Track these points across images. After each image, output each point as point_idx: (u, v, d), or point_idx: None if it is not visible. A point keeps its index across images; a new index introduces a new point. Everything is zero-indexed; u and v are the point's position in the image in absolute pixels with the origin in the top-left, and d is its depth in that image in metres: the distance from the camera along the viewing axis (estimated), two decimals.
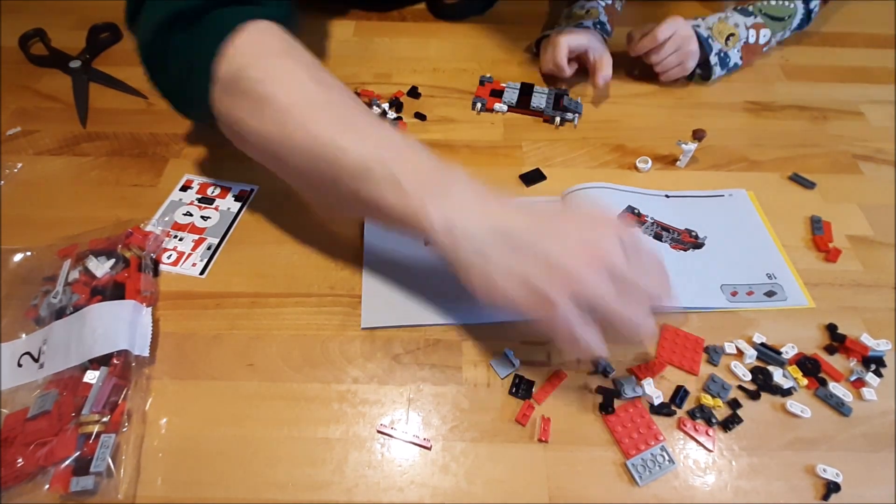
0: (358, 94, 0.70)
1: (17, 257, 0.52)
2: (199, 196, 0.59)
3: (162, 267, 0.53)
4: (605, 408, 0.44)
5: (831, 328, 0.50)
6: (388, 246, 0.54)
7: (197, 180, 0.60)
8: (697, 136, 0.62)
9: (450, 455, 0.42)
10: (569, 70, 0.70)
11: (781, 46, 0.78)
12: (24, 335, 0.47)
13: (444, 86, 0.72)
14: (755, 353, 0.48)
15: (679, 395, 0.45)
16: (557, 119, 0.68)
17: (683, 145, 0.61)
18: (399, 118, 0.68)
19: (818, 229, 0.57)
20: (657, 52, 0.69)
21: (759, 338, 0.49)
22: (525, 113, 0.69)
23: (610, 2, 0.75)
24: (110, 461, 0.40)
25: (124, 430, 0.42)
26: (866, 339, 0.48)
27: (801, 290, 0.52)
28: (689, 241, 0.56)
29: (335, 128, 0.42)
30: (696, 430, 0.44)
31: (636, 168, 0.63)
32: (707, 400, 0.45)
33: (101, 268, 0.50)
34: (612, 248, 0.38)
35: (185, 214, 0.57)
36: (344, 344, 0.48)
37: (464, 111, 0.69)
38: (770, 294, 0.52)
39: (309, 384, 0.46)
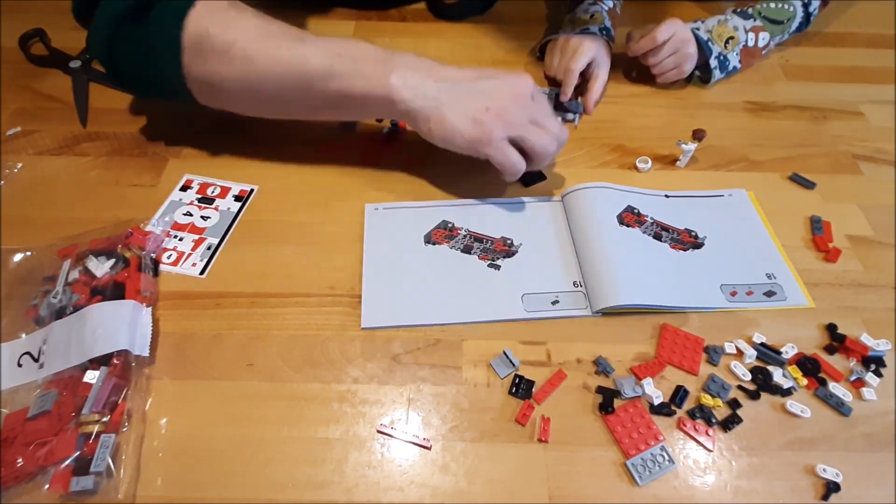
0: None
1: (17, 257, 0.52)
2: (199, 196, 0.59)
3: (162, 267, 0.53)
4: (605, 408, 0.44)
5: (831, 328, 0.50)
6: (388, 246, 0.55)
7: (197, 180, 0.60)
8: (697, 136, 0.62)
9: (450, 455, 0.42)
10: (577, 79, 0.69)
11: (781, 47, 0.78)
12: (24, 335, 0.47)
13: None
14: (755, 353, 0.48)
15: (679, 395, 0.45)
16: (559, 119, 0.68)
17: (683, 145, 0.61)
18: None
19: (818, 229, 0.57)
20: (655, 54, 0.69)
21: (758, 338, 0.49)
22: None
23: (611, 5, 0.75)
24: (110, 461, 0.40)
25: (124, 430, 0.42)
26: (866, 339, 0.48)
27: (800, 290, 0.52)
28: (688, 241, 0.56)
29: (293, 46, 0.50)
30: (695, 430, 0.44)
31: (636, 168, 0.63)
32: (707, 400, 0.45)
33: (101, 268, 0.50)
34: (526, 92, 0.52)
35: (185, 214, 0.57)
36: (344, 344, 0.48)
37: None
38: (770, 294, 0.52)
39: (309, 384, 0.46)
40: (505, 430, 0.44)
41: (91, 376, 0.43)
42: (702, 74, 0.73)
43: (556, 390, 0.46)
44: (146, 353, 0.46)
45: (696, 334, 0.49)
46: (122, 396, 0.43)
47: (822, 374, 0.47)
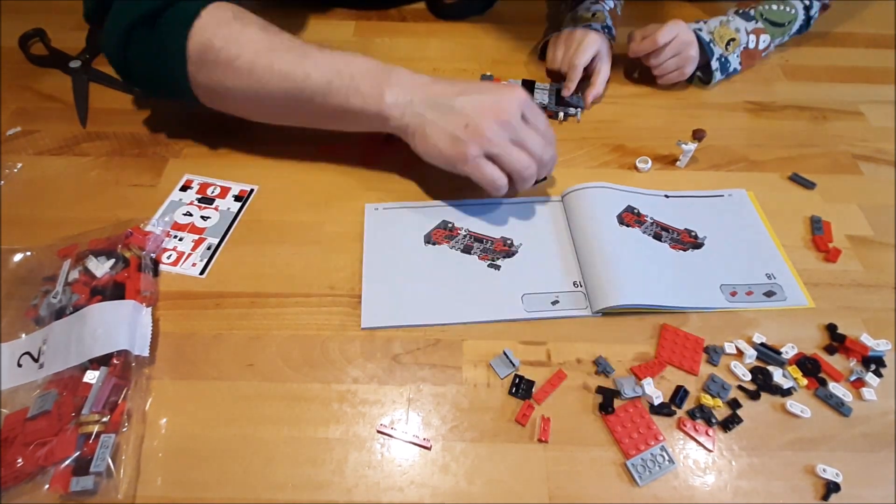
0: None
1: (17, 257, 0.52)
2: (199, 196, 0.59)
3: (162, 267, 0.53)
4: (605, 408, 0.44)
5: (831, 328, 0.50)
6: (388, 246, 0.55)
7: (197, 180, 0.60)
8: (697, 136, 0.62)
9: (450, 455, 0.42)
10: (580, 74, 0.69)
11: (781, 47, 0.78)
12: (24, 335, 0.47)
13: None
14: (755, 353, 0.48)
15: (679, 395, 0.45)
16: (561, 114, 0.68)
17: (683, 145, 0.61)
18: None
19: (818, 229, 0.57)
20: (656, 56, 0.69)
21: (758, 338, 0.49)
22: None
23: (612, 6, 0.75)
24: (110, 461, 0.40)
25: (124, 430, 0.42)
26: (866, 339, 0.48)
27: (800, 290, 0.52)
28: (688, 241, 0.56)
29: (295, 61, 0.52)
30: (695, 430, 0.44)
31: (636, 168, 0.63)
32: (707, 400, 0.45)
33: (101, 268, 0.50)
34: (511, 110, 0.51)
35: (185, 214, 0.57)
36: (344, 344, 0.48)
37: None
38: (769, 294, 0.52)
39: (309, 384, 0.46)
40: (505, 430, 0.44)
41: (91, 376, 0.43)
42: (703, 75, 0.73)
43: (556, 390, 0.46)
44: (146, 353, 0.46)
45: (696, 334, 0.49)
46: (122, 396, 0.43)
47: (822, 375, 0.47)
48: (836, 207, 0.59)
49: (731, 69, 0.72)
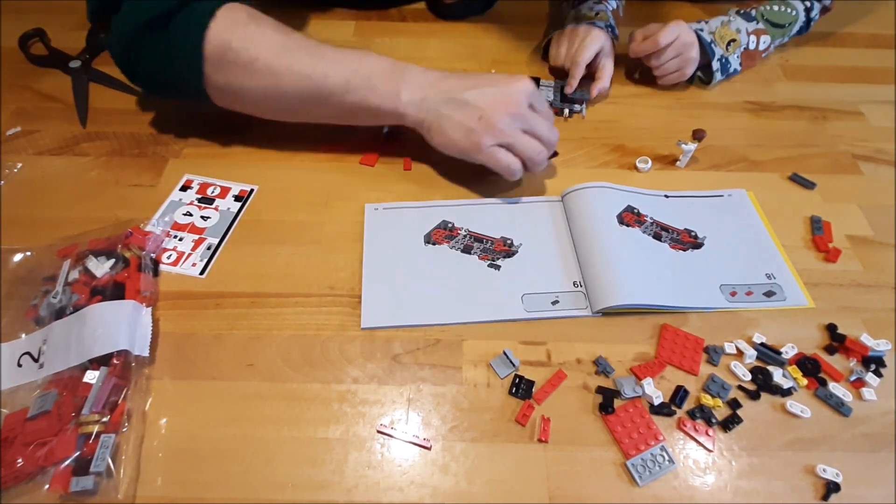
0: None
1: (17, 257, 0.52)
2: (199, 196, 0.59)
3: (162, 267, 0.53)
4: (605, 408, 0.44)
5: (831, 328, 0.50)
6: (388, 246, 0.55)
7: (197, 180, 0.60)
8: (697, 136, 0.62)
9: (450, 455, 0.42)
10: (584, 70, 0.70)
11: (781, 47, 0.78)
12: (23, 335, 0.47)
13: None
14: (755, 353, 0.48)
15: (679, 395, 0.45)
16: (566, 111, 0.68)
17: (683, 145, 0.61)
18: None
19: (818, 229, 0.57)
20: (657, 57, 0.69)
21: (758, 338, 0.49)
22: None
23: (615, 6, 0.75)
24: (110, 461, 0.40)
25: (124, 430, 0.42)
26: (866, 339, 0.48)
27: (800, 290, 0.52)
28: (688, 241, 0.56)
29: (313, 61, 0.54)
30: (696, 430, 0.44)
31: (636, 168, 0.63)
32: (707, 400, 0.45)
33: (100, 268, 0.50)
34: (520, 101, 0.55)
35: (185, 214, 0.57)
36: (344, 344, 0.48)
37: None
38: (769, 294, 0.52)
39: (309, 384, 0.46)
40: (505, 430, 0.44)
41: (91, 376, 0.43)
42: (703, 76, 0.73)
43: (556, 390, 0.46)
44: (146, 353, 0.46)
45: (696, 334, 0.49)
46: (122, 396, 0.43)
47: (822, 374, 0.47)
48: (836, 207, 0.59)
49: (731, 70, 0.72)
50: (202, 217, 0.57)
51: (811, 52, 0.80)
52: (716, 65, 0.70)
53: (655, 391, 0.45)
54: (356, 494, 0.41)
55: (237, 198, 0.59)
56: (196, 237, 0.55)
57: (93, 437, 0.41)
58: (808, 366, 0.47)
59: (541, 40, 0.78)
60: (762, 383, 0.46)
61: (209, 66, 0.53)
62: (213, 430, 0.43)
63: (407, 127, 0.66)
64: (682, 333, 0.49)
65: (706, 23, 0.71)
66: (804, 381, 0.46)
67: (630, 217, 0.56)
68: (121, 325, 0.46)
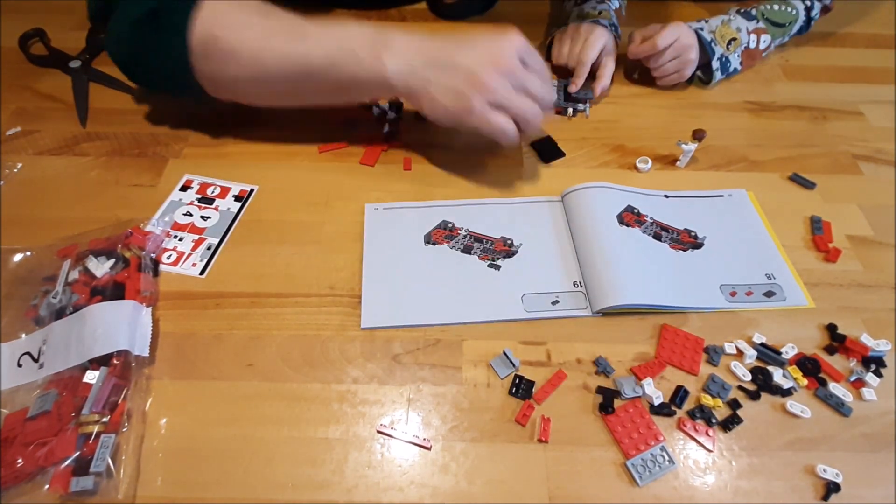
0: None
1: (17, 257, 0.52)
2: (199, 196, 0.59)
3: (162, 267, 0.53)
4: (605, 408, 0.44)
5: (831, 328, 0.50)
6: (388, 246, 0.55)
7: (197, 180, 0.60)
8: (697, 136, 0.62)
9: (450, 455, 0.42)
10: (589, 69, 0.70)
11: (781, 47, 0.78)
12: (23, 335, 0.47)
13: None
14: (755, 353, 0.48)
15: (679, 395, 0.45)
16: (570, 110, 0.68)
17: (683, 145, 0.61)
18: (399, 118, 0.67)
19: (818, 229, 0.57)
20: (656, 59, 0.69)
21: (758, 338, 0.49)
22: None
23: (617, 5, 0.75)
24: (110, 461, 0.40)
25: (124, 430, 0.42)
26: (866, 339, 0.48)
27: (800, 290, 0.52)
28: (688, 241, 0.56)
29: (294, 42, 0.53)
30: (696, 430, 0.44)
31: (636, 168, 0.63)
32: (707, 400, 0.45)
33: (100, 268, 0.50)
34: (510, 57, 0.52)
35: (185, 214, 0.57)
36: (344, 344, 0.48)
37: None
38: (769, 294, 0.52)
39: (309, 384, 0.46)
40: (505, 430, 0.44)
41: (91, 376, 0.43)
42: (703, 75, 0.73)
43: (556, 390, 0.46)
44: (146, 353, 0.46)
45: (696, 334, 0.49)
46: (122, 396, 0.43)
47: (822, 375, 0.47)
48: (836, 207, 0.59)
49: (731, 69, 0.72)
50: (202, 217, 0.57)
51: (811, 52, 0.80)
52: (716, 64, 0.70)
53: (655, 391, 0.45)
54: (356, 494, 0.41)
55: (237, 198, 0.59)
56: (196, 237, 0.55)
57: (93, 437, 0.41)
58: (808, 366, 0.47)
59: (543, 39, 0.78)
60: (762, 383, 0.46)
61: (197, 58, 0.54)
62: (213, 430, 0.43)
63: (406, 126, 0.66)
64: (682, 333, 0.49)
65: (706, 22, 0.71)
66: (804, 382, 0.46)
67: (630, 217, 0.56)
68: (121, 325, 0.46)
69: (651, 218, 0.57)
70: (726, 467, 0.42)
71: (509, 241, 0.55)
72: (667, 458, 0.42)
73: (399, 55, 0.52)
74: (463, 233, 0.56)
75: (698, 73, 0.72)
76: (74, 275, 0.50)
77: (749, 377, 0.47)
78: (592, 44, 0.68)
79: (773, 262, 0.54)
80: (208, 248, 0.54)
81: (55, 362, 0.44)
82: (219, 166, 0.62)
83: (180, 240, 0.55)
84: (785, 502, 0.41)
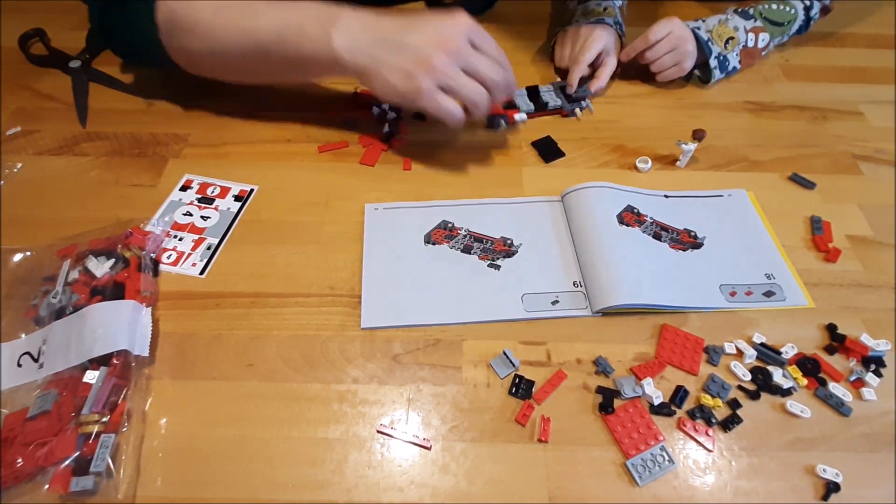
0: (357, 95, 0.70)
1: (17, 257, 0.52)
2: (199, 196, 0.59)
3: (162, 267, 0.53)
4: (605, 408, 0.44)
5: (831, 328, 0.50)
6: (388, 246, 0.55)
7: (197, 180, 0.60)
8: (697, 136, 0.62)
9: (450, 455, 0.42)
10: (585, 72, 0.70)
11: (781, 47, 0.78)
12: (23, 335, 0.47)
13: None
14: (755, 353, 0.48)
15: (679, 395, 0.45)
16: (576, 111, 0.69)
17: (683, 145, 0.61)
18: (399, 118, 0.68)
19: (818, 229, 0.57)
20: (652, 52, 0.69)
21: (758, 338, 0.49)
22: (544, 115, 0.69)
23: (621, 3, 0.75)
24: (110, 461, 0.40)
25: (124, 430, 0.42)
26: (866, 339, 0.48)
27: (800, 290, 0.52)
28: (688, 241, 0.56)
29: (246, 16, 0.54)
30: (695, 430, 0.44)
31: (636, 168, 0.63)
32: (707, 400, 0.45)
33: (100, 268, 0.50)
34: (457, 38, 0.52)
35: (184, 214, 0.57)
36: (344, 344, 0.48)
37: None
38: (769, 294, 0.52)
39: (309, 384, 0.46)
40: (505, 430, 0.44)
41: (91, 376, 0.43)
42: (701, 74, 0.73)
43: (556, 390, 0.46)
44: (146, 353, 0.46)
45: (696, 334, 0.49)
46: (122, 396, 0.43)
47: (822, 375, 0.47)
48: (836, 207, 0.59)
49: (730, 68, 0.72)
50: (202, 217, 0.57)
51: (811, 52, 0.80)
52: (713, 62, 0.70)
53: (655, 391, 0.45)
54: (356, 494, 0.41)
55: (237, 198, 0.59)
56: (196, 237, 0.55)
57: (93, 437, 0.41)
58: (808, 366, 0.47)
59: (545, 40, 0.78)
60: (762, 383, 0.46)
61: (164, 35, 0.56)
62: (213, 430, 0.43)
63: (407, 127, 0.67)
64: (682, 333, 0.49)
65: (703, 21, 0.71)
66: (804, 381, 0.46)
67: (630, 217, 0.56)
68: (121, 325, 0.46)
69: (651, 218, 0.57)
70: (726, 467, 0.42)
71: (509, 241, 0.55)
72: (667, 458, 0.42)
73: (347, 32, 0.52)
74: (463, 233, 0.56)
75: (696, 72, 0.72)
76: (74, 275, 0.50)
77: (749, 377, 0.47)
78: (590, 45, 0.68)
79: (772, 261, 0.54)
80: (208, 248, 0.54)
81: (55, 362, 0.44)
82: (219, 166, 0.62)
83: (180, 240, 0.55)
84: (785, 502, 0.41)
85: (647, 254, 0.53)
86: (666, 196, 0.59)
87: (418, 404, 0.45)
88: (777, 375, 0.46)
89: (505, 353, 0.47)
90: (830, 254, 0.55)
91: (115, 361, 0.44)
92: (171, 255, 0.54)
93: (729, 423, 0.44)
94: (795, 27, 0.75)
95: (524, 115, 0.67)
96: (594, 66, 0.70)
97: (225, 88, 0.63)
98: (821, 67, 0.77)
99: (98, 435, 0.41)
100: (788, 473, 0.42)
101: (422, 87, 0.52)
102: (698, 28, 0.70)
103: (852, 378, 0.47)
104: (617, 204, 0.57)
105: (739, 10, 0.72)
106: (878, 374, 0.47)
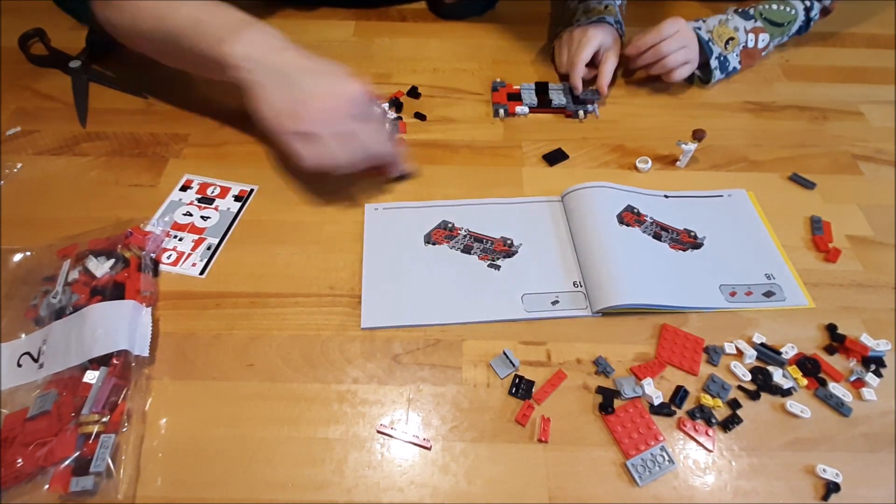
0: None
1: (17, 257, 0.52)
2: (199, 196, 0.59)
3: (162, 267, 0.53)
4: (605, 408, 0.44)
5: (831, 328, 0.50)
6: (388, 246, 0.55)
7: (197, 180, 0.60)
8: (697, 136, 0.62)
9: (450, 455, 0.42)
10: (585, 73, 0.69)
11: (781, 47, 0.78)
12: (23, 335, 0.47)
13: (444, 86, 0.72)
14: (755, 353, 0.48)
15: (679, 395, 0.45)
16: (581, 113, 0.68)
17: (683, 145, 0.61)
18: (399, 118, 0.68)
19: (818, 229, 0.57)
20: (667, 45, 0.67)
21: (758, 338, 0.49)
22: (546, 112, 0.69)
23: (620, 2, 0.75)
24: (110, 461, 0.40)
25: (124, 430, 0.42)
26: (866, 339, 0.48)
27: (800, 290, 0.52)
28: (688, 241, 0.56)
29: (166, 4, 0.55)
30: (695, 430, 0.44)
31: (636, 168, 0.63)
32: (707, 400, 0.45)
33: (100, 268, 0.50)
34: (341, 103, 0.52)
35: (184, 214, 0.57)
36: (344, 344, 0.48)
37: (463, 111, 0.69)
38: (769, 294, 0.52)
39: (309, 384, 0.46)
40: (505, 430, 0.44)
41: (91, 376, 0.43)
42: (702, 74, 0.73)
43: (556, 390, 0.46)
44: (146, 353, 0.46)
45: (696, 334, 0.49)
46: (122, 396, 0.43)
47: (822, 375, 0.47)
48: (836, 207, 0.59)
49: (730, 68, 0.72)
50: (202, 217, 0.57)
51: (811, 52, 0.80)
52: (714, 63, 0.70)
53: (655, 391, 0.45)
54: (356, 494, 0.41)
55: (237, 198, 0.59)
56: (196, 237, 0.55)
57: (93, 437, 0.41)
58: (808, 366, 0.47)
59: (546, 41, 0.78)
60: (762, 383, 0.46)
61: (97, 3, 0.59)
62: (213, 430, 0.43)
63: (406, 126, 0.66)
64: (682, 333, 0.49)
65: (703, 21, 0.71)
66: (804, 382, 0.46)
67: (630, 217, 0.56)
68: (121, 325, 0.46)
69: (651, 218, 0.57)
70: (726, 467, 0.42)
71: (509, 241, 0.55)
72: (667, 458, 0.42)
73: (248, 46, 0.52)
74: (463, 233, 0.56)
75: (697, 72, 0.72)
76: (74, 275, 0.50)
77: (749, 377, 0.47)
78: (585, 46, 0.68)
79: (772, 262, 0.54)
80: (208, 248, 0.54)
81: (55, 362, 0.44)
82: (219, 166, 0.62)
83: (180, 240, 0.55)
84: (785, 502, 0.41)
85: (646, 254, 0.53)
86: (666, 196, 0.59)
87: (418, 404, 0.45)
88: (777, 375, 0.46)
89: (505, 354, 0.47)
90: (830, 254, 0.55)
91: (115, 361, 0.44)
92: (171, 255, 0.54)
93: (729, 423, 0.44)
94: (795, 28, 0.75)
95: (525, 108, 0.68)
96: (595, 65, 0.70)
97: (225, 88, 0.63)
98: (821, 67, 0.77)
99: (98, 435, 0.41)
100: (788, 473, 0.42)
101: (288, 128, 0.52)
102: (699, 28, 0.70)
103: (852, 378, 0.47)
104: (617, 204, 0.57)
105: (740, 10, 0.72)
106: (878, 375, 0.47)
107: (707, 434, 0.44)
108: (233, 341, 0.48)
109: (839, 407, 0.45)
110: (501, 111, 0.68)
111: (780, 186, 0.62)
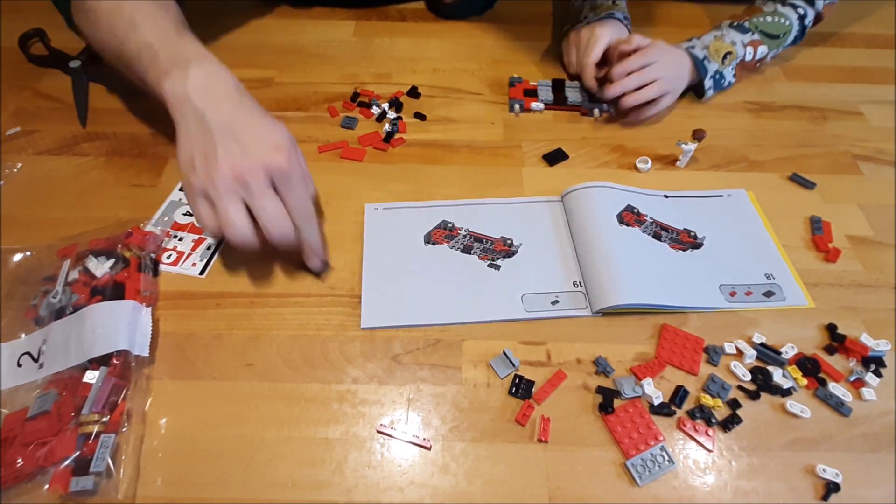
0: (358, 94, 0.70)
1: (17, 257, 0.52)
2: None
3: (162, 267, 0.53)
4: (605, 408, 0.44)
5: (831, 328, 0.50)
6: (388, 246, 0.55)
7: None
8: (697, 136, 0.62)
9: (449, 455, 0.42)
10: (597, 72, 0.68)
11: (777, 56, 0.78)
12: (23, 335, 0.47)
13: (444, 86, 0.72)
14: (755, 353, 0.48)
15: (679, 395, 0.45)
16: (595, 111, 0.68)
17: (683, 145, 0.61)
18: (399, 118, 0.68)
19: (818, 229, 0.57)
20: (621, 64, 0.64)
21: (758, 338, 0.49)
22: (561, 109, 0.69)
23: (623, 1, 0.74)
24: (110, 461, 0.40)
25: (124, 430, 0.42)
26: (866, 339, 0.48)
27: (800, 290, 0.52)
28: (687, 241, 0.56)
29: (126, 25, 0.54)
30: (695, 430, 0.44)
31: (636, 168, 0.63)
32: (707, 400, 0.45)
33: (100, 268, 0.50)
34: (254, 171, 0.46)
35: (184, 214, 0.57)
36: (344, 344, 0.48)
37: (463, 111, 0.69)
38: (769, 294, 0.52)
39: (309, 384, 0.46)
40: (505, 430, 0.44)
41: (91, 376, 0.43)
42: (696, 91, 0.72)
43: (556, 390, 0.46)
44: (146, 353, 0.46)
45: (696, 334, 0.49)
46: (122, 396, 0.43)
47: (822, 375, 0.47)
48: (836, 207, 0.59)
49: (725, 83, 0.71)
50: None
51: (811, 52, 0.80)
52: (708, 83, 0.69)
53: (655, 391, 0.45)
54: (356, 494, 0.41)
55: None
56: (196, 237, 0.55)
57: (93, 437, 0.41)
58: (807, 366, 0.47)
59: (546, 41, 0.78)
60: (762, 383, 0.46)
61: (74, 9, 0.60)
62: (213, 430, 0.43)
63: (406, 126, 0.66)
64: (682, 333, 0.49)
65: (698, 38, 0.70)
66: (804, 381, 0.46)
67: (630, 217, 0.56)
68: (121, 325, 0.46)
69: (651, 218, 0.57)
70: (726, 467, 0.42)
71: (509, 241, 0.55)
72: (666, 458, 0.42)
73: (187, 83, 0.49)
74: (463, 233, 0.56)
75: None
76: (74, 275, 0.50)
77: (749, 377, 0.47)
78: (593, 45, 0.68)
79: (772, 262, 0.54)
80: (208, 248, 0.54)
81: (55, 362, 0.44)
82: None
83: (180, 240, 0.55)
84: (785, 502, 0.41)
85: (646, 254, 0.53)
86: (666, 196, 0.59)
87: (418, 404, 0.45)
88: (777, 375, 0.46)
89: (505, 353, 0.47)
90: (830, 254, 0.55)
91: (115, 361, 0.44)
92: (170, 255, 0.54)
93: (729, 423, 0.44)
94: (791, 38, 0.74)
95: (541, 105, 0.68)
96: (608, 62, 0.69)
97: None
98: (821, 67, 0.77)
99: (98, 435, 0.41)
100: (788, 473, 0.42)
101: (193, 183, 0.47)
102: (693, 47, 0.68)
103: (852, 378, 0.47)
104: (617, 204, 0.57)
105: (735, 24, 0.71)
106: (878, 374, 0.47)
107: (707, 434, 0.44)
108: (233, 341, 0.48)
109: (839, 407, 0.45)
110: (517, 106, 0.68)
111: (779, 186, 0.62)
